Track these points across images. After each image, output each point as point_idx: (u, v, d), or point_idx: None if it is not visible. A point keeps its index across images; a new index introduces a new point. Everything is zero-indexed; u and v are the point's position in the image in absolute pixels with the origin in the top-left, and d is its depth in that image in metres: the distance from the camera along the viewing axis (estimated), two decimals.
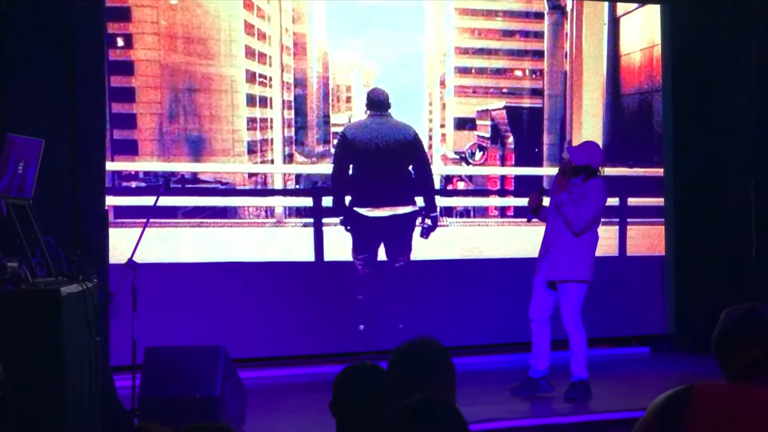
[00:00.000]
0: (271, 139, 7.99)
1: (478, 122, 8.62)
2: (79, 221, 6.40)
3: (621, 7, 8.95)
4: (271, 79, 7.97)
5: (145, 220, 6.15)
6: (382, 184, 8.13)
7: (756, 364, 2.67)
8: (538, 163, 8.67)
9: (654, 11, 8.96)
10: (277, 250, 7.91)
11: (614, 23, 8.92)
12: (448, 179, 8.56)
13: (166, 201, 6.95)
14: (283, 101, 8.01)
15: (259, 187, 8.00)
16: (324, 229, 8.03)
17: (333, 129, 8.19)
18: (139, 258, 6.02)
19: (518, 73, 8.80)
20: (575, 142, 8.23)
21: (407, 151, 8.25)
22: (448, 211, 8.45)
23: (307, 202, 8.07)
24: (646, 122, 9.02)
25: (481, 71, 8.69)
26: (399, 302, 8.09)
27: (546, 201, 6.79)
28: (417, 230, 8.26)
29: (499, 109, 8.67)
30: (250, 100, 7.89)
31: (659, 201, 8.93)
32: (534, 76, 8.78)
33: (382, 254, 8.15)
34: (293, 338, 7.82)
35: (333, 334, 7.92)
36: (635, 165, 8.88)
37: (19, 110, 6.24)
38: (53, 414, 4.66)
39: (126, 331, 6.00)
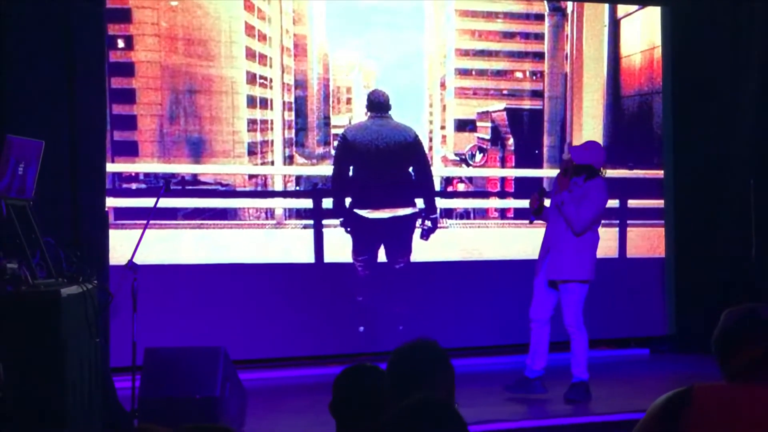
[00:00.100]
0: (272, 141, 7.99)
1: (478, 124, 8.62)
2: (79, 222, 6.39)
3: (621, 9, 8.95)
4: (271, 80, 7.97)
5: (145, 222, 6.16)
6: (382, 186, 8.13)
7: (756, 364, 2.67)
8: (539, 165, 8.67)
9: (654, 13, 8.96)
10: (277, 252, 7.91)
11: (615, 25, 8.92)
12: (448, 181, 8.56)
13: (166, 202, 6.96)
14: (284, 103, 8.01)
15: (259, 188, 8.00)
16: (324, 230, 8.03)
17: (333, 130, 8.19)
18: (139, 259, 6.02)
19: (518, 74, 8.80)
20: (576, 144, 8.22)
21: (407, 152, 8.25)
22: (448, 213, 8.45)
23: (308, 203, 8.07)
24: (646, 124, 9.02)
25: (481, 73, 8.70)
26: (399, 304, 8.09)
27: (547, 202, 6.79)
28: (417, 232, 8.25)
29: (499, 110, 8.67)
30: (251, 102, 7.90)
31: (659, 203, 8.92)
32: (534, 77, 8.78)
33: (382, 256, 8.15)
34: (293, 339, 7.82)
35: (333, 335, 7.92)
36: (635, 167, 8.88)
37: (19, 110, 6.24)
38: (53, 415, 4.66)
39: (126, 332, 6.00)
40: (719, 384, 2.72)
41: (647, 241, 8.93)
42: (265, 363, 7.78)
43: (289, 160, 8.05)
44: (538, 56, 8.76)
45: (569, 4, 8.77)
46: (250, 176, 7.97)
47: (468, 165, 8.59)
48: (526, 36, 8.78)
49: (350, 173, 8.13)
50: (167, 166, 7.64)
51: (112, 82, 7.42)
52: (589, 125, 8.76)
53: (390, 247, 8.16)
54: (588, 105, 8.78)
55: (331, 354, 7.80)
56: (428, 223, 8.28)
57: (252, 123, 7.90)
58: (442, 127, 8.52)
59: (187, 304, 7.52)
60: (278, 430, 6.03)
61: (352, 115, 8.32)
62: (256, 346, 7.67)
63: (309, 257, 8.00)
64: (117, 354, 6.44)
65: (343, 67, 8.29)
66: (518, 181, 8.69)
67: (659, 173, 8.93)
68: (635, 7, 8.97)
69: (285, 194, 8.08)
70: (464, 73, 8.62)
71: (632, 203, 8.87)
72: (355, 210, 8.08)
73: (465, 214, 8.54)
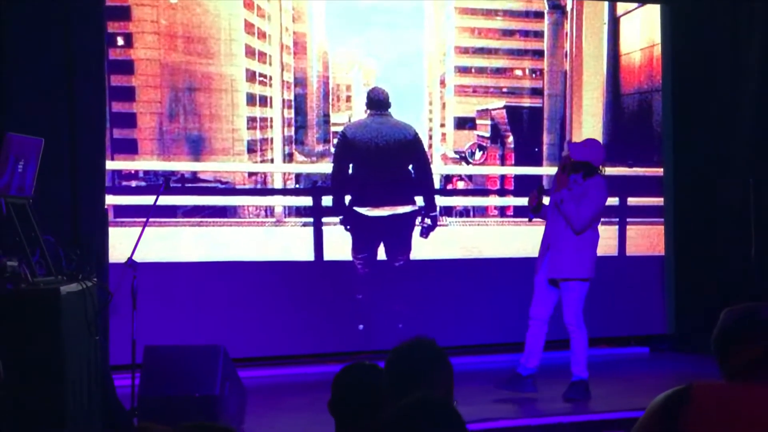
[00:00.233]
0: (271, 139, 7.99)
1: (478, 122, 8.62)
2: (79, 220, 6.38)
3: (621, 7, 8.95)
4: (271, 78, 7.97)
5: (144, 219, 6.15)
6: (381, 184, 8.13)
7: (756, 363, 2.67)
8: (538, 163, 8.67)
9: (654, 11, 8.96)
10: (277, 250, 7.91)
11: (614, 23, 8.92)
12: (447, 179, 8.56)
13: (165, 200, 6.95)
14: (283, 100, 8.01)
15: (258, 186, 8.00)
16: (324, 228, 8.03)
17: (333, 128, 8.19)
18: (138, 257, 6.02)
19: (518, 72, 8.80)
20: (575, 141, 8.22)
21: (407, 150, 8.25)
22: (448, 211, 8.45)
23: (307, 201, 8.07)
24: (645, 122, 9.02)
25: (481, 70, 8.69)
26: (398, 302, 8.09)
27: (546, 200, 6.78)
28: (417, 230, 8.25)
29: (499, 108, 8.67)
30: (250, 100, 7.89)
31: (659, 201, 8.93)
32: (534, 75, 8.78)
33: (381, 254, 8.15)
34: (293, 337, 7.82)
35: (332, 333, 7.92)
36: (635, 165, 8.88)
37: (19, 109, 6.23)
38: (53, 413, 4.66)
39: (125, 330, 6.00)
40: (718, 383, 2.72)
41: (647, 239, 8.93)
42: (264, 361, 7.78)
43: (288, 157, 8.05)
44: (538, 54, 8.76)
45: (569, 2, 8.77)
46: (250, 174, 7.97)
47: (468, 163, 8.59)
48: (525, 34, 8.78)
49: (350, 171, 8.13)
50: (167, 163, 7.64)
51: (112, 79, 7.41)
52: (589, 123, 8.76)
53: (389, 245, 8.16)
54: (587, 103, 8.78)
55: (331, 352, 7.80)
56: (428, 220, 8.28)
57: (251, 121, 7.90)
58: (442, 125, 8.51)
59: (187, 302, 7.52)
60: (278, 428, 6.03)
61: (352, 113, 8.32)
62: (255, 344, 7.67)
63: (308, 255, 8.00)
64: (116, 352, 6.44)
65: (342, 65, 8.29)
66: (518, 178, 8.69)
67: (659, 171, 8.93)
68: (635, 4, 8.97)
69: (284, 192, 8.08)
70: (464, 70, 8.62)
71: (632, 201, 8.87)
72: (355, 208, 8.08)
73: (465, 212, 8.55)
